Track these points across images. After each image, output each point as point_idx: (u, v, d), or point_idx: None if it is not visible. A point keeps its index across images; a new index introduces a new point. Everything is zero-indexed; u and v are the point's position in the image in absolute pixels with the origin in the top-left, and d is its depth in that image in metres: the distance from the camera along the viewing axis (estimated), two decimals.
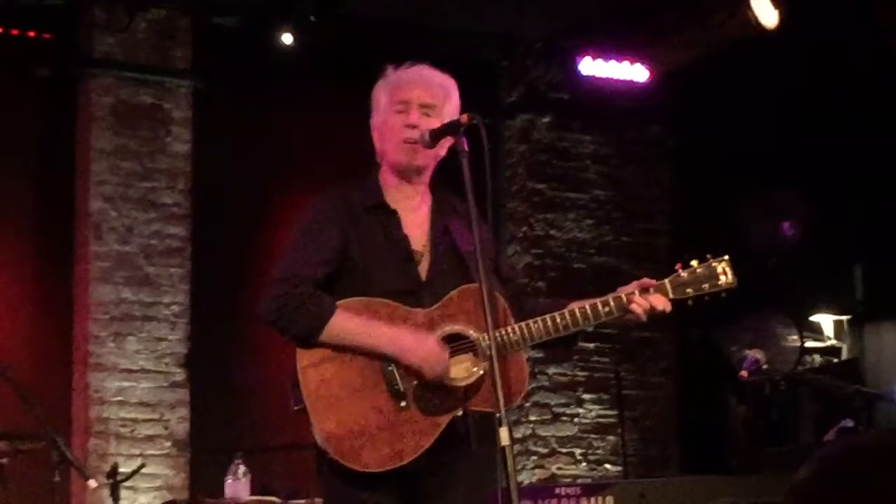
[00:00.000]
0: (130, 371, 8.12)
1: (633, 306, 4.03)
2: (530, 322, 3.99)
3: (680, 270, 4.11)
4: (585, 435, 9.27)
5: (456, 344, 3.99)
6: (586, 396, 9.30)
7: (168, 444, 8.16)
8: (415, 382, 3.97)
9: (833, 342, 9.44)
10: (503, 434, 3.63)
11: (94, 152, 8.19)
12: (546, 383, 9.21)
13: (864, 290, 9.41)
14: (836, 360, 9.35)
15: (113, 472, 6.69)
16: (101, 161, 8.20)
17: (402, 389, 3.95)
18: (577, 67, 8.87)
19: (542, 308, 4.08)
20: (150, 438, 8.12)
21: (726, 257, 4.13)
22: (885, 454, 2.25)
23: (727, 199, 8.91)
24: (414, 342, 3.94)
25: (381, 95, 4.19)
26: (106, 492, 6.71)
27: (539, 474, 9.10)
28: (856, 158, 8.77)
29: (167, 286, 8.26)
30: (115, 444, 8.03)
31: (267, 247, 8.41)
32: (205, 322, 8.34)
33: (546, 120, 9.43)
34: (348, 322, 3.95)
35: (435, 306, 4.00)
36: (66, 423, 7.93)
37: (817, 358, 9.33)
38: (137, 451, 8.00)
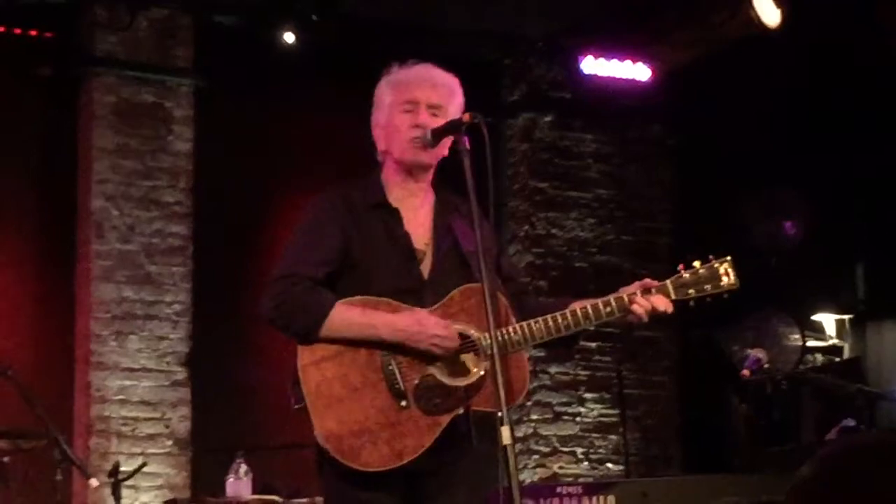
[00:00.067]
0: (132, 370, 8.12)
1: (635, 307, 4.03)
2: (531, 322, 3.99)
3: (682, 271, 4.10)
4: (587, 434, 9.27)
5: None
6: (588, 395, 9.30)
7: (169, 442, 8.16)
8: (415, 381, 3.97)
9: (835, 341, 9.44)
10: (505, 433, 3.63)
11: (96, 151, 8.19)
12: (548, 382, 9.21)
13: (866, 290, 9.40)
14: (837, 360, 9.35)
15: (114, 471, 6.70)
16: (102, 160, 8.20)
17: (402, 388, 3.95)
18: (578, 66, 8.87)
19: (544, 307, 4.08)
20: (151, 437, 8.12)
21: (728, 258, 4.13)
22: (887, 453, 2.24)
23: (729, 199, 8.90)
24: (415, 322, 3.93)
25: (386, 94, 4.18)
26: (107, 490, 6.72)
27: (541, 473, 9.10)
28: (857, 158, 8.76)
29: (169, 285, 8.27)
30: (116, 443, 8.03)
31: (268, 246, 8.40)
32: (206, 321, 8.34)
33: (548, 119, 9.43)
34: (349, 314, 3.94)
35: (436, 305, 3.99)
36: (68, 422, 7.93)
37: (819, 357, 9.33)
38: (139, 450, 8.00)
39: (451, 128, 4.00)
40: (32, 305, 8.16)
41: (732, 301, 4.16)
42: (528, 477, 8.95)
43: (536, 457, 9.15)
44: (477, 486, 4.08)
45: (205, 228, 8.41)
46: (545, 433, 9.19)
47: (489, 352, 3.84)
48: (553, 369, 9.21)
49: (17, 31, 8.18)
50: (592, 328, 4.12)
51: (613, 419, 9.20)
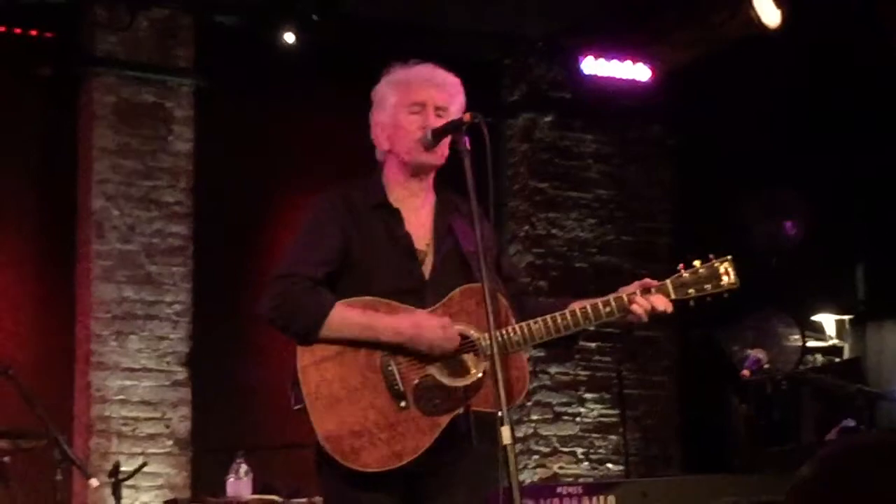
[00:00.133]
0: (132, 370, 8.12)
1: (634, 307, 4.03)
2: (531, 322, 3.99)
3: (682, 271, 4.10)
4: (587, 434, 9.27)
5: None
6: (588, 396, 9.30)
7: (170, 442, 8.16)
8: (415, 382, 3.97)
9: (835, 342, 9.43)
10: (505, 433, 3.63)
11: (96, 151, 8.19)
12: (548, 382, 9.21)
13: (866, 290, 9.40)
14: (837, 360, 9.34)
15: (114, 471, 6.70)
16: (103, 160, 8.20)
17: (402, 389, 3.95)
18: (578, 67, 8.87)
19: (544, 307, 4.08)
20: (151, 437, 8.12)
21: (729, 258, 4.12)
22: (887, 453, 2.24)
23: (729, 199, 8.90)
24: (414, 324, 3.93)
25: (390, 94, 4.17)
26: (108, 490, 6.72)
27: (541, 473, 9.10)
28: (857, 158, 8.76)
29: (169, 285, 8.27)
30: (116, 443, 8.03)
31: (268, 246, 8.41)
32: (207, 321, 8.34)
33: (548, 119, 9.43)
34: (348, 315, 3.94)
35: (436, 306, 3.99)
36: (68, 422, 7.94)
37: (819, 357, 9.33)
38: (139, 450, 8.00)
39: (452, 128, 4.00)
40: (33, 305, 8.16)
41: (732, 301, 4.15)
42: (528, 477, 8.96)
43: (536, 457, 9.15)
44: (477, 486, 4.08)
45: (205, 228, 8.41)
46: (545, 433, 9.19)
47: (489, 352, 3.84)
48: (553, 369, 9.21)
49: (18, 30, 8.18)
50: (592, 328, 4.12)
51: (613, 419, 9.20)
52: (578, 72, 8.89)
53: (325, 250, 4.04)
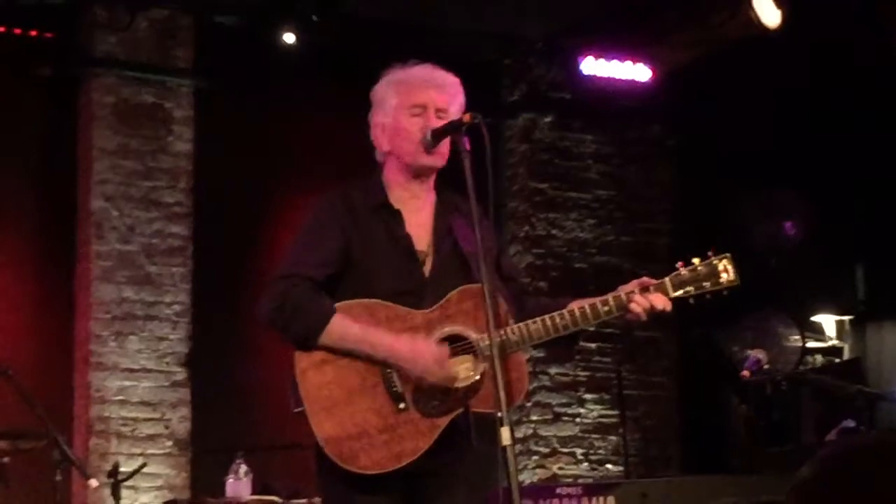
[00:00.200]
0: (132, 370, 8.12)
1: (633, 305, 4.02)
2: (529, 322, 3.98)
3: (681, 269, 4.09)
4: (587, 435, 9.27)
5: (455, 345, 3.99)
6: (588, 396, 9.29)
7: (169, 443, 8.16)
8: (414, 384, 3.97)
9: (834, 342, 9.43)
10: (504, 434, 3.62)
11: (96, 151, 8.19)
12: (547, 383, 9.21)
13: (866, 290, 9.40)
14: (837, 360, 9.34)
15: (114, 472, 6.69)
16: (102, 160, 8.20)
17: (400, 391, 3.95)
18: (578, 67, 8.87)
19: (544, 307, 4.07)
20: (151, 438, 8.12)
21: (728, 255, 4.11)
22: (887, 454, 2.24)
23: (728, 199, 8.90)
24: (412, 351, 3.93)
25: (390, 95, 4.17)
26: (107, 491, 6.71)
27: (540, 474, 9.10)
28: (857, 158, 8.76)
29: (169, 285, 8.26)
30: (116, 444, 8.03)
31: (268, 246, 8.41)
32: (206, 321, 8.34)
33: (547, 119, 9.43)
34: (347, 327, 3.94)
35: (434, 307, 3.99)
36: (68, 423, 7.93)
37: (819, 358, 9.33)
38: (138, 451, 8.00)
39: (452, 128, 3.99)
40: (32, 306, 8.15)
41: (732, 301, 4.15)
42: (527, 478, 8.95)
43: (536, 457, 9.14)
44: (477, 486, 4.08)
45: (205, 229, 8.41)
46: (545, 434, 9.18)
47: (487, 353, 3.84)
48: (553, 370, 9.21)
49: (17, 31, 8.18)
50: (591, 328, 4.12)
51: (613, 420, 9.19)
52: (578, 72, 8.88)
53: (326, 251, 4.04)
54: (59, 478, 6.11)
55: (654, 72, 8.85)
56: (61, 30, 8.30)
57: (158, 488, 8.04)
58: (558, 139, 9.46)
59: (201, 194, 8.41)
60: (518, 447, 8.67)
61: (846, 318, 9.47)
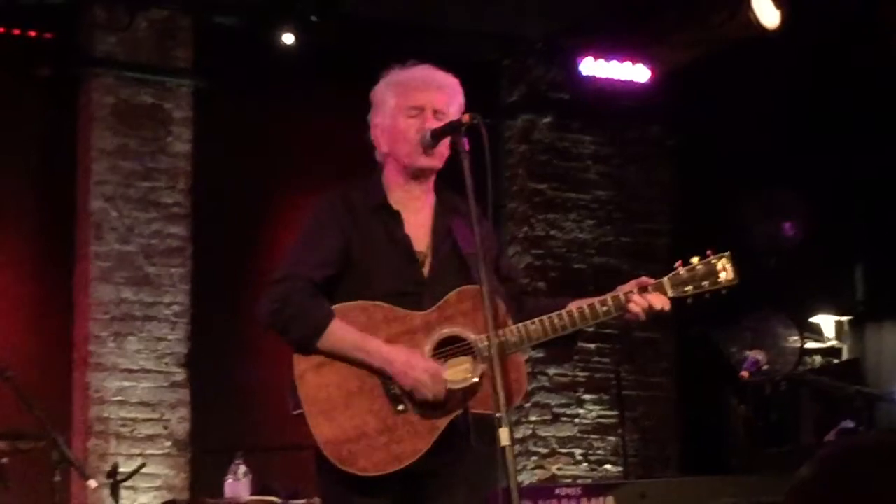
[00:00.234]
0: (131, 371, 8.12)
1: (632, 305, 4.02)
2: (528, 323, 3.98)
3: (679, 268, 4.09)
4: (586, 435, 9.27)
5: (454, 347, 3.99)
6: (587, 397, 9.29)
7: (168, 443, 8.16)
8: None
9: (833, 343, 9.44)
10: (504, 434, 3.62)
11: (95, 152, 8.19)
12: (546, 384, 9.21)
13: (865, 291, 9.41)
14: (836, 361, 9.35)
15: (113, 472, 6.69)
16: (101, 161, 8.20)
17: (399, 393, 3.96)
18: (577, 67, 8.87)
19: (543, 307, 4.07)
20: (150, 438, 8.12)
21: (727, 253, 4.11)
22: (886, 454, 2.24)
23: (728, 199, 8.90)
24: (406, 363, 3.93)
25: (389, 96, 4.17)
26: (106, 491, 6.71)
27: (539, 475, 9.10)
28: (857, 158, 8.77)
29: (168, 286, 8.26)
30: (115, 444, 8.02)
31: (267, 247, 8.41)
32: (205, 322, 8.34)
33: (547, 120, 9.43)
34: (344, 334, 3.95)
35: (432, 308, 3.99)
36: (67, 423, 7.93)
37: (818, 359, 9.34)
38: (137, 451, 8.00)
39: (451, 129, 3.99)
40: (31, 306, 8.15)
41: (731, 301, 4.15)
42: (526, 478, 8.95)
43: (535, 458, 9.14)
44: (477, 487, 4.08)
45: (204, 229, 8.40)
46: (544, 434, 9.18)
47: (486, 354, 3.84)
48: (552, 371, 9.21)
49: (17, 31, 8.18)
50: (590, 328, 4.11)
51: (612, 420, 9.19)
52: (577, 73, 8.88)
53: (326, 252, 4.04)
54: (58, 478, 6.11)
55: (653, 72, 8.85)
56: (61, 30, 8.30)
57: (157, 489, 8.03)
58: (557, 140, 9.45)
59: (200, 195, 8.41)
60: (517, 448, 8.67)
61: (845, 318, 9.48)
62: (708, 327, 8.67)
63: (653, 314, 4.04)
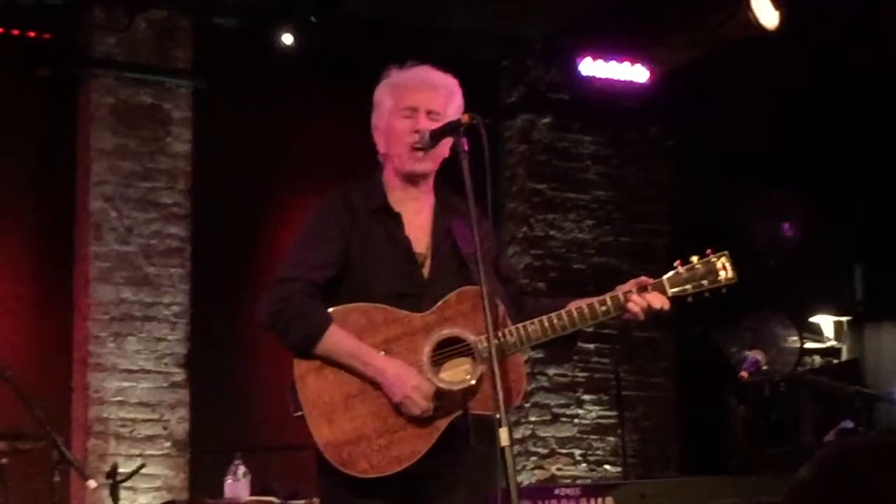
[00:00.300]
0: (130, 371, 8.12)
1: (631, 305, 4.01)
2: (527, 324, 3.98)
3: (678, 267, 4.08)
4: (585, 436, 9.27)
5: (453, 348, 3.98)
6: (586, 397, 9.29)
7: (168, 444, 8.16)
8: None
9: (833, 343, 9.44)
10: (503, 434, 3.62)
11: (94, 152, 8.19)
12: (546, 384, 9.20)
13: (864, 291, 9.41)
14: (835, 361, 9.35)
15: (112, 473, 6.69)
16: (101, 161, 8.19)
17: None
18: (577, 68, 8.86)
19: (542, 308, 4.07)
20: (149, 439, 8.11)
21: (726, 252, 4.11)
22: (886, 455, 2.24)
23: (727, 200, 8.90)
24: (397, 376, 3.93)
25: (386, 97, 4.17)
26: (105, 492, 6.70)
27: (539, 475, 9.09)
28: (856, 159, 8.77)
29: (167, 286, 8.26)
30: (114, 445, 8.02)
31: (267, 247, 8.41)
32: (205, 322, 8.34)
33: (546, 120, 9.43)
34: (340, 341, 3.95)
35: (432, 310, 3.99)
36: (66, 424, 7.93)
37: (817, 359, 9.33)
38: (137, 452, 8.00)
39: (450, 129, 3.99)
40: (31, 306, 8.15)
41: (730, 302, 4.14)
42: (526, 479, 8.95)
43: (535, 458, 9.14)
44: (476, 487, 4.08)
45: (203, 230, 8.40)
46: (543, 435, 9.18)
47: (485, 355, 3.84)
48: (551, 371, 9.20)
49: (16, 32, 8.18)
50: (590, 328, 4.11)
51: (611, 421, 9.19)
52: (577, 73, 8.87)
53: (326, 253, 4.05)
54: (57, 479, 6.11)
55: (651, 72, 8.85)
56: (60, 30, 8.30)
57: (157, 489, 8.03)
58: (557, 140, 9.45)
59: (200, 195, 8.41)
60: (516, 448, 8.67)
61: (844, 318, 9.47)
62: (707, 327, 8.67)
63: (652, 314, 4.04)
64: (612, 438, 9.23)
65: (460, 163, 3.91)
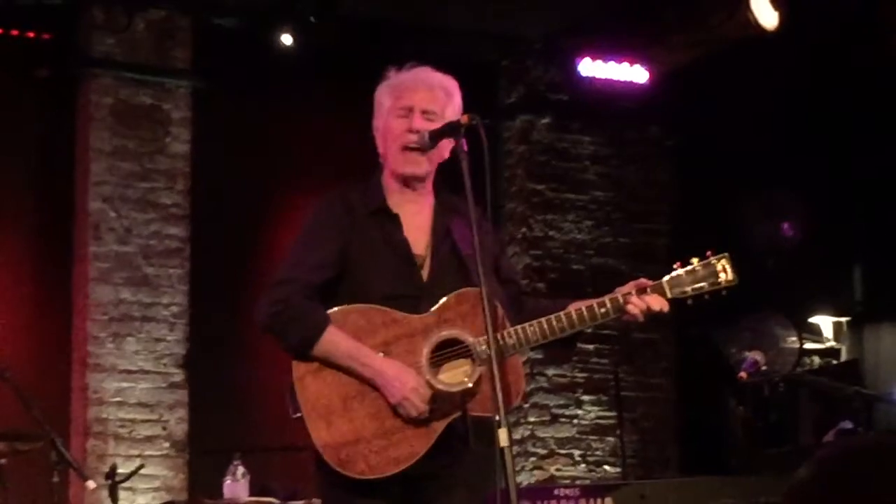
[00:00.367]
0: (129, 372, 8.12)
1: (630, 307, 4.01)
2: (526, 326, 3.98)
3: (678, 269, 4.08)
4: (584, 436, 9.26)
5: (452, 349, 3.98)
6: (585, 398, 9.29)
7: (167, 444, 8.16)
8: None
9: (832, 343, 9.44)
10: (502, 435, 3.62)
11: (94, 152, 8.19)
12: (545, 384, 9.20)
13: (864, 292, 9.40)
14: (835, 362, 9.35)
15: (111, 473, 6.68)
16: (100, 161, 8.19)
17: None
18: (576, 68, 8.86)
19: (543, 309, 4.07)
20: (148, 439, 8.11)
21: (726, 254, 4.11)
22: (885, 455, 2.24)
23: (727, 200, 8.90)
24: (397, 377, 3.93)
25: (384, 98, 4.18)
26: (104, 492, 6.70)
27: (538, 475, 9.09)
28: (856, 159, 8.77)
29: (166, 287, 8.26)
30: (113, 445, 8.02)
31: (266, 247, 8.41)
32: (204, 323, 8.33)
33: (545, 121, 9.43)
34: (338, 342, 3.95)
35: (431, 311, 3.99)
36: (65, 424, 7.93)
37: (816, 359, 9.33)
38: (136, 452, 7.99)
39: (449, 130, 3.99)
40: (30, 307, 8.15)
41: (730, 302, 4.14)
42: (525, 479, 8.95)
43: (534, 459, 9.14)
44: (476, 488, 4.08)
45: (202, 230, 8.40)
46: (542, 435, 9.18)
47: (484, 357, 3.83)
48: (550, 371, 9.20)
49: (15, 32, 8.17)
50: (589, 330, 4.11)
51: (611, 421, 9.19)
52: (576, 73, 8.87)
53: (324, 254, 4.05)
54: (56, 479, 6.10)
55: (651, 73, 8.85)
56: (59, 31, 8.29)
57: (156, 490, 8.03)
58: (556, 140, 9.45)
59: (199, 196, 8.41)
60: (516, 448, 8.67)
61: (844, 319, 9.47)
62: (707, 328, 8.66)
63: (651, 316, 4.04)
64: (611, 439, 9.23)
65: (460, 163, 3.91)
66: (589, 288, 9.05)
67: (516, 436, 8.93)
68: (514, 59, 9.43)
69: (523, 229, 9.34)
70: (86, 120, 8.23)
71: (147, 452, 8.04)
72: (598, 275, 9.24)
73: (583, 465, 9.22)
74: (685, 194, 9.42)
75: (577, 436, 9.25)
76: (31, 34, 8.24)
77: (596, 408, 9.29)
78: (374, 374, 3.94)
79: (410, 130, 4.07)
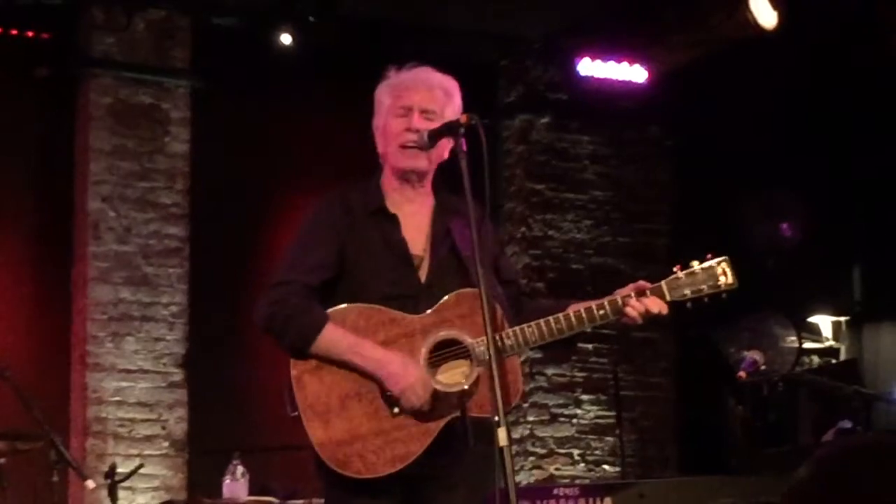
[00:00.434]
0: (129, 371, 8.12)
1: (628, 309, 4.01)
2: (525, 327, 3.98)
3: (678, 272, 4.08)
4: (583, 436, 9.26)
5: (450, 350, 3.98)
6: (585, 397, 9.29)
7: (166, 444, 8.16)
8: None
9: (831, 343, 9.44)
10: (501, 435, 3.62)
11: (93, 152, 8.19)
12: (544, 384, 9.20)
13: (863, 291, 9.40)
14: (834, 361, 9.35)
15: (111, 473, 6.69)
16: (99, 161, 8.19)
17: (395, 395, 3.95)
18: (575, 68, 8.86)
19: (542, 309, 4.07)
20: (148, 439, 8.11)
21: (726, 258, 4.11)
22: (884, 455, 2.24)
23: (726, 200, 8.90)
24: (398, 371, 3.93)
25: (384, 98, 4.18)
26: (104, 492, 6.71)
27: (537, 475, 9.09)
28: (855, 159, 8.77)
29: (165, 286, 8.26)
30: (113, 445, 8.02)
31: (265, 247, 8.41)
32: (203, 322, 8.34)
33: (545, 120, 9.43)
34: (338, 338, 3.95)
35: (429, 312, 3.99)
36: (65, 424, 7.93)
37: (815, 359, 9.33)
38: (135, 452, 7.99)
39: (448, 129, 3.99)
40: (29, 307, 8.15)
41: (729, 302, 4.14)
42: (524, 479, 8.95)
43: (533, 458, 9.14)
44: (475, 487, 4.08)
45: (201, 230, 8.40)
46: (542, 435, 9.18)
47: (482, 358, 3.83)
48: (550, 371, 9.20)
49: (15, 31, 8.18)
50: (588, 331, 4.11)
51: (610, 421, 9.19)
52: (575, 73, 8.87)
53: (322, 254, 4.05)
54: (55, 479, 6.11)
55: (650, 73, 8.85)
56: (59, 30, 8.29)
57: (155, 489, 8.03)
58: (555, 140, 9.45)
59: (198, 195, 8.41)
60: (515, 448, 8.66)
61: (843, 318, 9.47)
62: (706, 328, 8.66)
63: (650, 318, 4.04)
64: (610, 438, 9.23)
65: (459, 163, 3.91)
66: (588, 287, 9.06)
67: (515, 435, 8.93)
68: (514, 59, 9.43)
69: (522, 229, 9.34)
70: (85, 119, 8.23)
71: (146, 452, 8.04)
72: (598, 274, 9.24)
73: (582, 465, 9.22)
74: (685, 194, 9.42)
75: (576, 435, 9.25)
76: (31, 34, 8.24)
77: (595, 407, 9.29)
78: (377, 365, 3.93)
79: (409, 129, 4.07)
